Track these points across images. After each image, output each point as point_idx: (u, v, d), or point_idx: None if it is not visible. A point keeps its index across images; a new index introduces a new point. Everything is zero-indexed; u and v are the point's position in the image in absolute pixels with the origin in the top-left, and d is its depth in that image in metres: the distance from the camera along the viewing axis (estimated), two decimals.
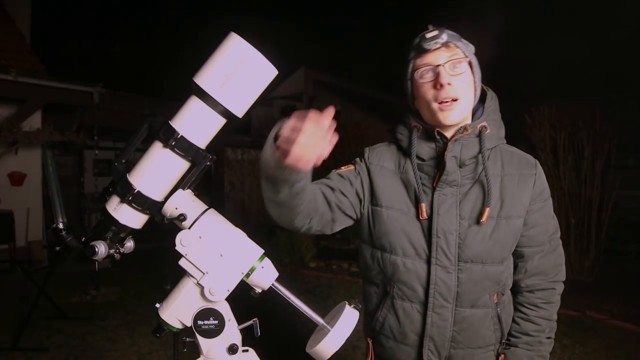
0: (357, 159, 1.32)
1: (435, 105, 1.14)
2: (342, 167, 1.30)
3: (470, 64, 1.16)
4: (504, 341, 1.24)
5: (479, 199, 1.17)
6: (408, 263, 1.20)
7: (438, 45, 1.12)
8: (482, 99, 1.23)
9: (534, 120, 5.67)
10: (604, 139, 5.43)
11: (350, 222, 1.28)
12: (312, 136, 0.79)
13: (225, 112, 1.05)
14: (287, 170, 0.89)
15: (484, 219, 1.13)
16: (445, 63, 1.12)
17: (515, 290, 1.27)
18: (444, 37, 1.12)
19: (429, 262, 1.18)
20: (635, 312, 4.42)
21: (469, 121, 1.19)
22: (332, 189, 1.23)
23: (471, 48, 1.18)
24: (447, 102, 1.13)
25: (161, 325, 1.13)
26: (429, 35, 1.13)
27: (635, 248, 7.22)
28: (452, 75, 1.12)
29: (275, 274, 1.10)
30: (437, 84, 1.12)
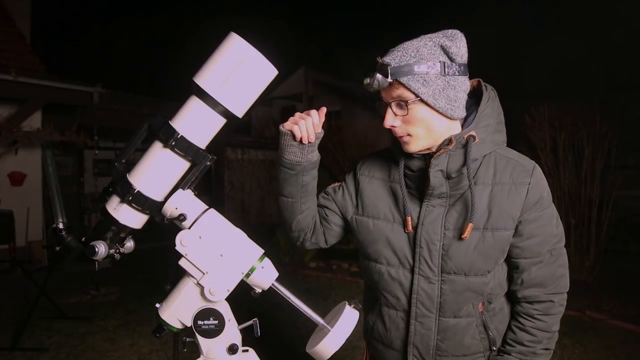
0: (348, 174, 1.37)
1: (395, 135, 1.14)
2: (331, 185, 1.39)
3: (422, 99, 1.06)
4: (495, 348, 1.22)
5: (465, 212, 1.13)
6: (392, 272, 1.20)
7: (375, 90, 1.08)
8: (480, 101, 1.16)
9: (534, 120, 5.66)
10: (604, 139, 5.42)
11: (341, 234, 1.38)
12: (307, 121, 1.16)
13: (225, 112, 1.05)
14: (293, 150, 1.19)
15: (465, 234, 1.10)
16: (391, 102, 1.09)
17: (513, 299, 1.23)
18: (377, 82, 1.06)
19: (412, 271, 1.18)
20: (635, 312, 4.42)
21: (458, 130, 1.13)
22: (320, 206, 1.36)
23: (433, 71, 1.05)
24: (401, 136, 1.12)
25: (161, 325, 1.13)
26: (364, 81, 1.08)
27: (635, 248, 7.23)
28: (398, 116, 1.09)
29: (275, 274, 1.10)
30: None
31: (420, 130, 1.10)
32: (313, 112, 1.16)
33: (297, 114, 1.18)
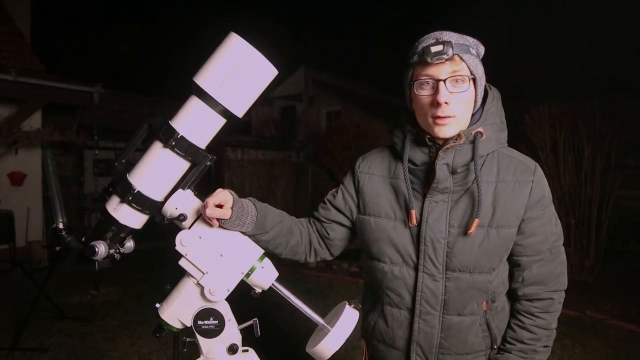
0: (346, 176, 1.35)
1: (430, 119, 1.11)
2: (330, 191, 1.37)
3: (474, 79, 1.09)
4: (496, 346, 1.22)
5: (470, 208, 1.13)
6: (395, 270, 1.20)
7: (442, 61, 1.05)
8: (484, 100, 1.18)
9: (534, 120, 5.66)
10: (604, 139, 5.42)
11: (345, 245, 1.38)
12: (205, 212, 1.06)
13: (225, 112, 1.06)
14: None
15: (471, 230, 1.10)
16: (446, 79, 1.06)
17: (513, 297, 1.24)
18: (450, 52, 1.03)
19: (416, 269, 1.17)
20: (635, 312, 4.42)
21: (463, 129, 1.14)
22: (320, 220, 1.34)
23: (480, 52, 1.12)
24: (442, 118, 1.09)
25: (161, 325, 1.13)
26: (434, 49, 1.04)
27: (635, 248, 7.23)
28: (452, 93, 1.06)
29: (275, 274, 1.10)
30: (434, 100, 1.07)
31: (464, 112, 1.11)
32: (206, 202, 1.06)
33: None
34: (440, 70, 1.07)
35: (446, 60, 1.05)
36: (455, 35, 1.09)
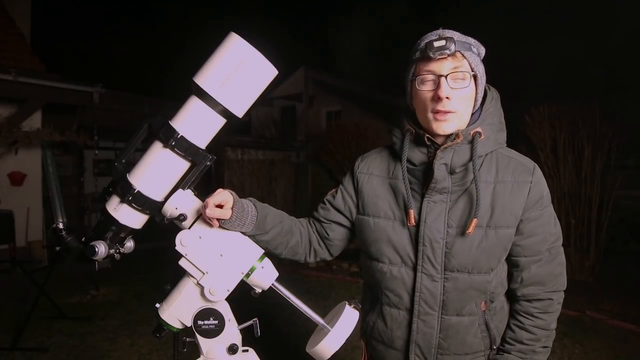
0: (345, 176, 1.35)
1: (430, 115, 1.11)
2: (329, 192, 1.37)
3: (475, 77, 1.11)
4: (495, 347, 1.22)
5: (468, 208, 1.13)
6: (394, 270, 1.20)
7: (444, 56, 1.07)
8: (483, 100, 1.19)
9: (534, 120, 5.66)
10: (604, 139, 5.42)
11: (345, 245, 1.38)
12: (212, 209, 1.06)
13: (225, 112, 1.06)
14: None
15: (470, 230, 1.10)
16: (448, 74, 1.07)
17: (512, 298, 1.24)
18: (452, 47, 1.05)
19: (415, 269, 1.17)
20: (635, 312, 4.42)
21: (463, 127, 1.14)
22: (319, 221, 1.34)
23: (481, 52, 1.14)
24: (442, 113, 1.10)
25: (161, 325, 1.13)
26: (436, 44, 1.05)
27: (635, 248, 7.24)
28: (453, 89, 1.08)
29: (275, 274, 1.10)
30: (435, 95, 1.08)
31: (465, 108, 1.12)
32: (206, 202, 1.06)
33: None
34: (442, 66, 1.08)
35: (448, 56, 1.07)
36: (458, 34, 1.10)
